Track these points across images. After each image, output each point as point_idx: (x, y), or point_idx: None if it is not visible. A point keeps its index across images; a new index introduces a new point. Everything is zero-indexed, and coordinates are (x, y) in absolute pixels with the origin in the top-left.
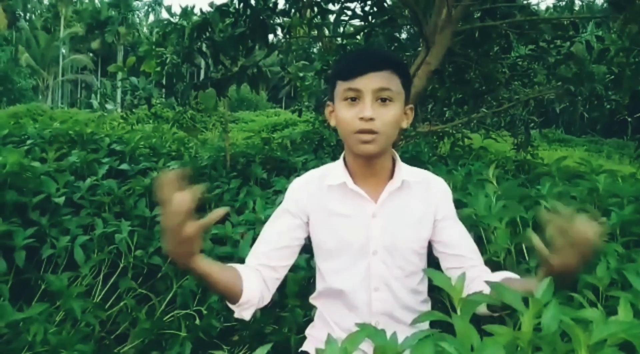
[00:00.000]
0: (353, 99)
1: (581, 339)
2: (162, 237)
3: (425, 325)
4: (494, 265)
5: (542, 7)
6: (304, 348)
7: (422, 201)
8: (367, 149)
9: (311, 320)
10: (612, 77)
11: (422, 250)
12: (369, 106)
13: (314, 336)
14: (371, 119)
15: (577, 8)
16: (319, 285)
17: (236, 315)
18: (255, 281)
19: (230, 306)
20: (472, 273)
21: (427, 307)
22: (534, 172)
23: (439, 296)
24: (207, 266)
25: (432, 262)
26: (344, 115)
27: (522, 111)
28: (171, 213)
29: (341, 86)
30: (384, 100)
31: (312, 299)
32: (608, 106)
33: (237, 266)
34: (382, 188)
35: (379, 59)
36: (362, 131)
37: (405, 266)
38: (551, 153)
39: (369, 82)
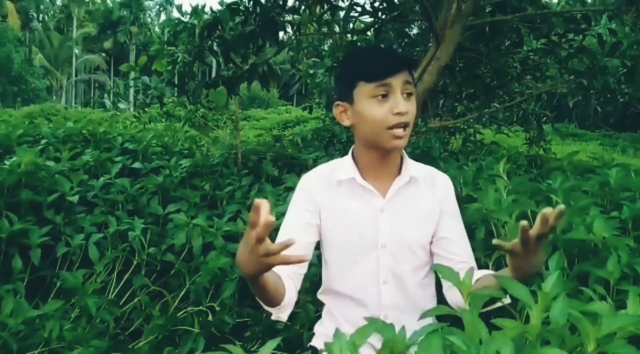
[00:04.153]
0: (384, 96)
1: (590, 333)
2: (241, 249)
3: (432, 320)
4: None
5: (554, 0)
6: (312, 343)
7: (428, 196)
8: (400, 144)
9: (321, 316)
10: (625, 70)
11: (428, 244)
12: (403, 101)
13: (322, 332)
14: (406, 113)
15: (589, 1)
16: (326, 280)
17: (273, 317)
18: (290, 283)
19: (268, 308)
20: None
21: (434, 302)
22: (546, 167)
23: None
24: (265, 276)
25: None
26: (374, 112)
27: (535, 105)
28: (255, 237)
29: (367, 86)
30: (409, 94)
31: (320, 295)
32: (621, 100)
33: (275, 269)
34: (390, 183)
35: (402, 59)
36: (397, 125)
37: (412, 259)
38: (564, 148)
39: (398, 79)
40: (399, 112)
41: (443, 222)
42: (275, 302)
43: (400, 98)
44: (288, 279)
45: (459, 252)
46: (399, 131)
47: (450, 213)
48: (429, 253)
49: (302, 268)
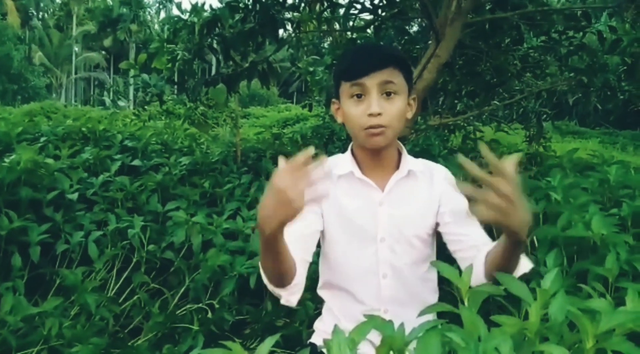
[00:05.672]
0: (359, 96)
1: (588, 329)
2: (265, 201)
3: (432, 316)
4: None
5: None
6: (312, 340)
7: (426, 189)
8: (377, 142)
9: (321, 313)
10: (626, 67)
11: (429, 238)
12: (376, 102)
13: (322, 329)
14: (379, 114)
15: None
16: (326, 274)
17: (283, 301)
18: (300, 264)
19: (278, 290)
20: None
21: (435, 297)
22: (546, 164)
23: (448, 288)
24: (283, 241)
25: (444, 251)
26: (352, 112)
27: (534, 103)
28: (289, 174)
29: (346, 85)
30: (388, 94)
31: (319, 290)
32: (621, 97)
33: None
34: (389, 178)
35: (380, 58)
36: (371, 127)
37: (411, 253)
38: (564, 145)
39: (373, 79)
40: (370, 114)
41: (447, 208)
42: (287, 278)
43: (374, 99)
44: (299, 261)
45: (469, 233)
46: (374, 130)
47: (453, 199)
48: (429, 246)
49: (309, 256)
